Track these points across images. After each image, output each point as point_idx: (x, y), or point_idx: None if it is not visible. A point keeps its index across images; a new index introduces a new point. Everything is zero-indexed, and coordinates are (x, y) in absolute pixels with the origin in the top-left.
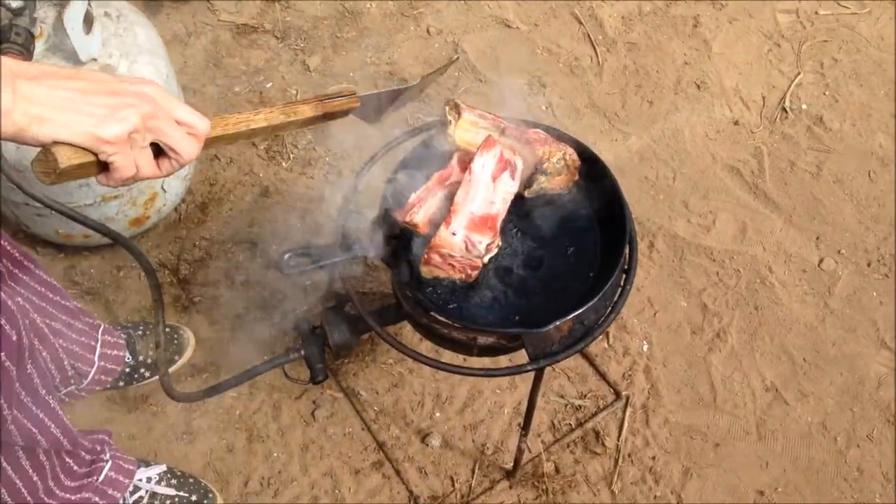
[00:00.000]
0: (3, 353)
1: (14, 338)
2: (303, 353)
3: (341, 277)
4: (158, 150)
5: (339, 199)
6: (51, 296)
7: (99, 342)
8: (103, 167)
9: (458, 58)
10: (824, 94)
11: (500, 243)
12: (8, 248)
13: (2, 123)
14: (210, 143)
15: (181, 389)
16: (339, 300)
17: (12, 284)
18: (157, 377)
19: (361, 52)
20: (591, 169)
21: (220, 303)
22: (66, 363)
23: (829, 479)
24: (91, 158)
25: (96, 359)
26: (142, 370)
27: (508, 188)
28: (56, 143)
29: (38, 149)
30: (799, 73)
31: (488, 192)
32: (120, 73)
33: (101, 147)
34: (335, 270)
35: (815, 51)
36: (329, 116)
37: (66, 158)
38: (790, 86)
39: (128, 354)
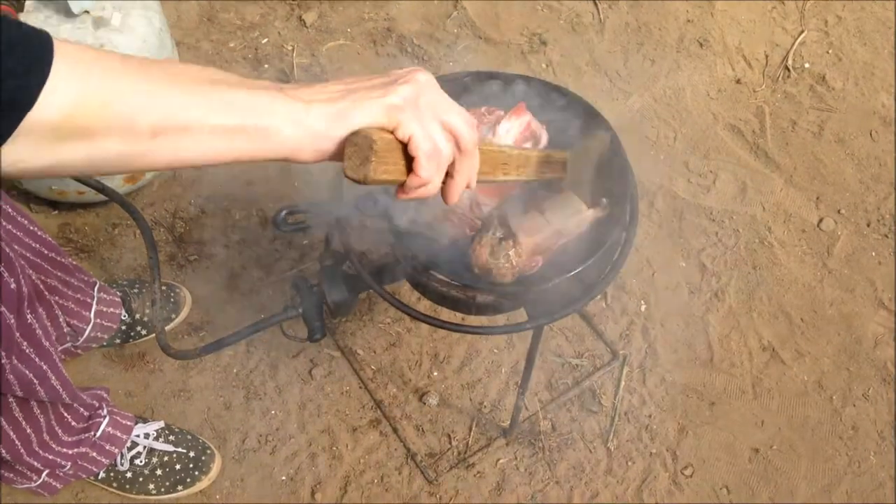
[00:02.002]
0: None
1: (13, 286)
2: (301, 310)
3: (339, 235)
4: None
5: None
6: (46, 252)
7: (95, 299)
8: (409, 162)
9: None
10: (828, 52)
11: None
12: (1, 203)
13: (289, 131)
14: (493, 165)
15: (178, 347)
16: (337, 258)
17: (7, 239)
18: (153, 335)
19: (359, 8)
20: (594, 125)
21: (216, 261)
22: (61, 320)
23: (824, 437)
24: (392, 137)
25: (92, 316)
26: (138, 328)
27: None
28: (352, 132)
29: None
30: (802, 32)
31: None
32: (113, 26)
33: (395, 116)
34: (333, 227)
35: (820, 8)
36: (550, 166)
37: (376, 133)
38: (793, 44)
39: (124, 312)
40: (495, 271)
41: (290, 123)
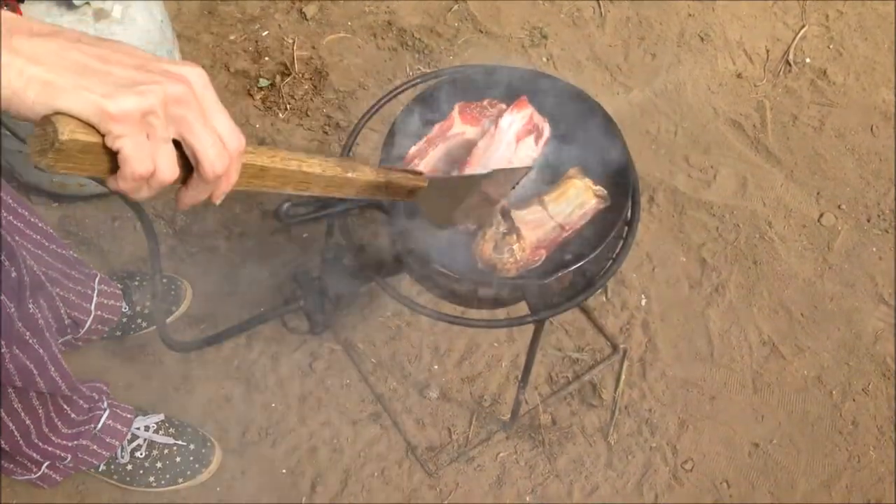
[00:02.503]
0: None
1: (14, 274)
2: (302, 303)
3: (340, 228)
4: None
5: (336, 150)
6: (47, 244)
7: (96, 292)
8: (114, 164)
9: (531, 168)
10: (829, 47)
11: (506, 204)
12: (2, 194)
13: None
14: (252, 175)
15: (178, 340)
16: (339, 251)
17: (8, 229)
18: (153, 327)
19: (359, 0)
20: (596, 120)
21: (217, 254)
22: (62, 312)
23: (823, 431)
24: (98, 139)
25: (93, 308)
26: (139, 320)
27: (529, 152)
28: (58, 114)
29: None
30: (804, 26)
31: (508, 151)
32: (114, 18)
33: (107, 124)
34: (334, 221)
35: (821, 3)
36: (391, 190)
37: (68, 130)
38: (794, 38)
39: (124, 305)
40: (499, 266)
41: None
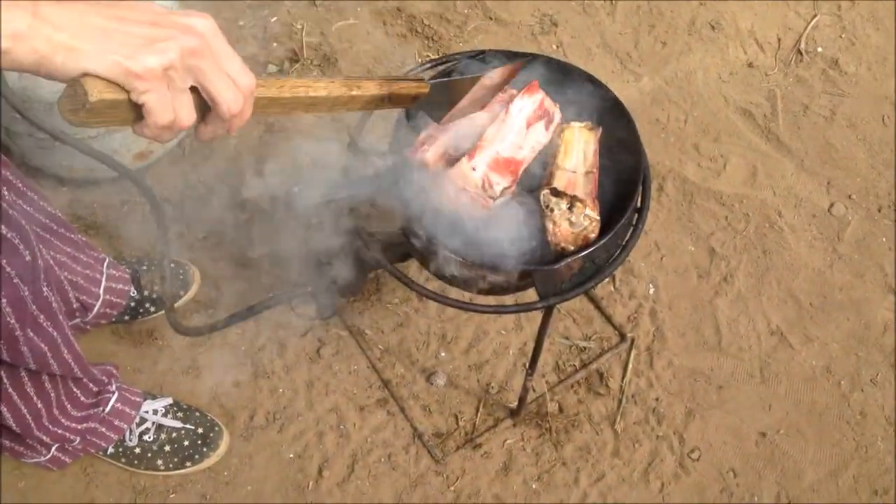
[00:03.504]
0: (14, 271)
1: (28, 258)
2: (310, 289)
3: (350, 213)
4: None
5: (345, 136)
6: (55, 228)
7: (104, 276)
8: (139, 114)
9: (527, 62)
10: (841, 36)
11: (517, 190)
12: (11, 178)
13: (18, 51)
14: (264, 106)
15: (187, 324)
16: (347, 236)
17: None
18: (162, 312)
19: None
20: (607, 107)
21: (225, 239)
22: (70, 296)
23: (831, 421)
24: (124, 96)
25: (101, 292)
26: (147, 305)
27: (540, 138)
28: (85, 75)
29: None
30: (816, 15)
31: (519, 137)
32: None
33: (132, 82)
34: (344, 206)
35: None
36: (394, 100)
37: (96, 91)
38: (806, 28)
39: (133, 289)
40: (584, 234)
41: (24, 48)
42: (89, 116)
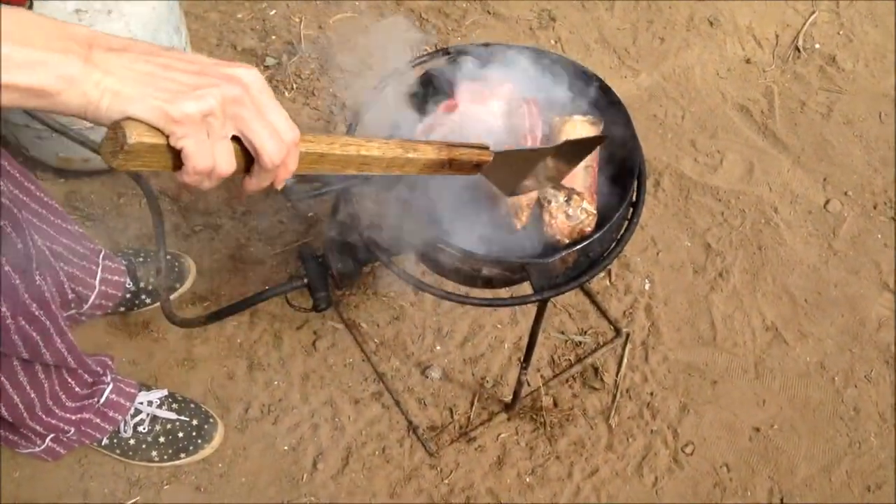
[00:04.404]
0: (4, 259)
1: (19, 245)
2: (306, 281)
3: (345, 203)
4: (249, 162)
5: (342, 130)
6: (52, 218)
7: (100, 267)
8: (179, 160)
9: (607, 137)
10: (838, 33)
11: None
12: (8, 168)
13: (68, 94)
14: (312, 161)
15: (182, 316)
16: (343, 229)
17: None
18: (157, 304)
19: None
20: (604, 101)
21: (221, 232)
22: (66, 287)
23: (825, 417)
24: (163, 141)
25: (97, 283)
26: (143, 296)
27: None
28: (127, 119)
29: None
30: (814, 12)
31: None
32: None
33: (170, 127)
34: (339, 198)
35: None
36: (454, 166)
37: (136, 134)
38: (804, 24)
39: (129, 281)
40: (580, 228)
41: (74, 92)
42: (128, 159)
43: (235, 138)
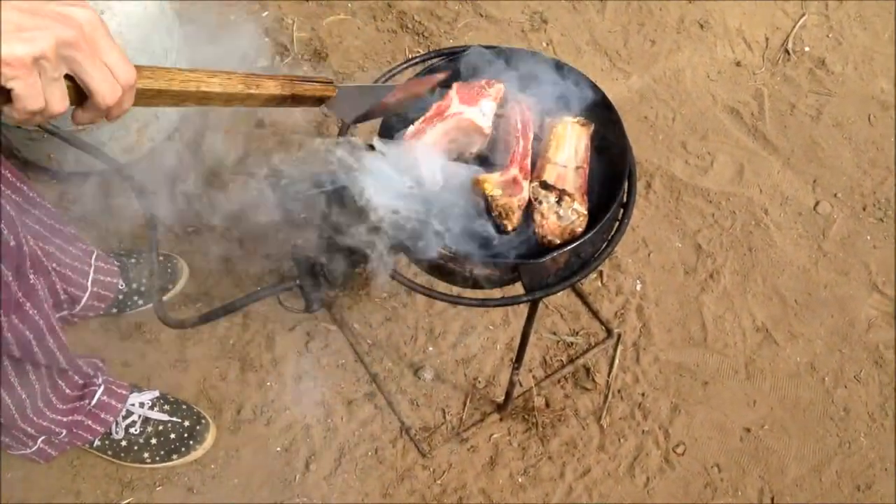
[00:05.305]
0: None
1: (12, 243)
2: (298, 282)
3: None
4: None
5: (334, 130)
6: (45, 219)
7: (92, 268)
8: (8, 97)
9: (450, 72)
10: (828, 36)
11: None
12: (1, 169)
13: None
14: (151, 97)
15: (175, 317)
16: (335, 230)
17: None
18: (150, 305)
19: None
20: (594, 103)
21: (214, 233)
22: (58, 287)
23: (815, 417)
24: None
25: (89, 284)
26: (135, 297)
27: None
28: None
29: None
30: (804, 15)
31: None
32: None
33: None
34: (332, 199)
35: None
36: (297, 100)
37: None
38: (794, 27)
39: (121, 282)
40: (571, 228)
41: None
42: None
43: (69, 76)
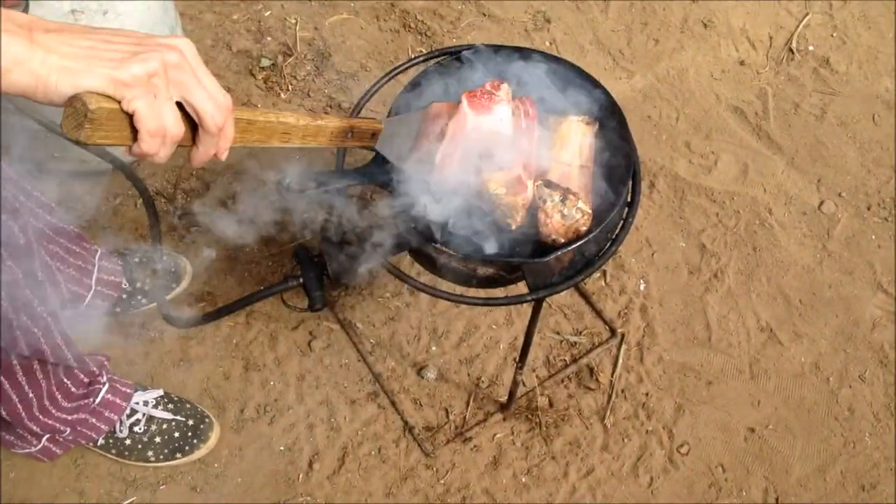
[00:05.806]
0: (7, 254)
1: (22, 241)
2: (301, 281)
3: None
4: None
5: None
6: (49, 218)
7: (96, 267)
8: (135, 131)
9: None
10: (832, 35)
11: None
12: (5, 167)
13: (17, 73)
14: (243, 129)
15: (178, 316)
16: (338, 228)
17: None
18: (153, 304)
19: None
20: (599, 102)
21: (217, 232)
22: (63, 286)
23: (820, 417)
24: (117, 105)
25: (93, 283)
26: (139, 297)
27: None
28: (81, 91)
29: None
30: (807, 14)
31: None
32: None
33: (121, 91)
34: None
35: None
36: (356, 135)
37: (95, 100)
38: (798, 26)
39: (125, 281)
40: (575, 227)
41: (22, 71)
42: (93, 129)
43: (178, 105)
